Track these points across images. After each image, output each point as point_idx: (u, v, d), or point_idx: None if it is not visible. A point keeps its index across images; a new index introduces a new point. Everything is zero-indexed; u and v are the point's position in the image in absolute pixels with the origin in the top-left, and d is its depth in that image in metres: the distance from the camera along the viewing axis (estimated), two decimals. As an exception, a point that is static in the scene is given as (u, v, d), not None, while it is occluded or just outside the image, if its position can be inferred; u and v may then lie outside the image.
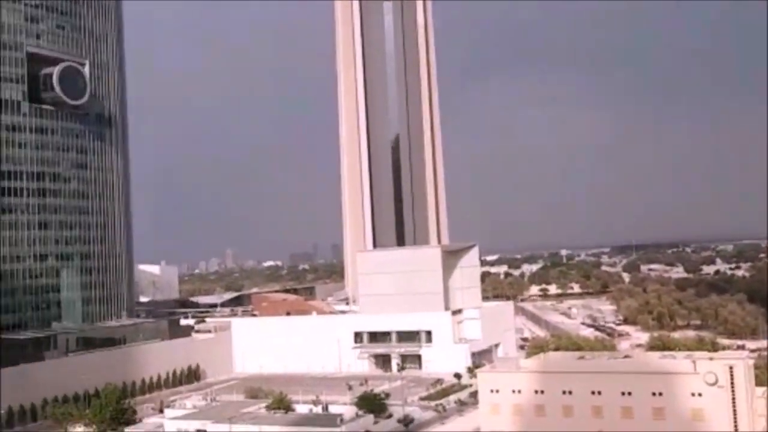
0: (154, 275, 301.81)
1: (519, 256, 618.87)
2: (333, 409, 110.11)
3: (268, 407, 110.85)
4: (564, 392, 73.18)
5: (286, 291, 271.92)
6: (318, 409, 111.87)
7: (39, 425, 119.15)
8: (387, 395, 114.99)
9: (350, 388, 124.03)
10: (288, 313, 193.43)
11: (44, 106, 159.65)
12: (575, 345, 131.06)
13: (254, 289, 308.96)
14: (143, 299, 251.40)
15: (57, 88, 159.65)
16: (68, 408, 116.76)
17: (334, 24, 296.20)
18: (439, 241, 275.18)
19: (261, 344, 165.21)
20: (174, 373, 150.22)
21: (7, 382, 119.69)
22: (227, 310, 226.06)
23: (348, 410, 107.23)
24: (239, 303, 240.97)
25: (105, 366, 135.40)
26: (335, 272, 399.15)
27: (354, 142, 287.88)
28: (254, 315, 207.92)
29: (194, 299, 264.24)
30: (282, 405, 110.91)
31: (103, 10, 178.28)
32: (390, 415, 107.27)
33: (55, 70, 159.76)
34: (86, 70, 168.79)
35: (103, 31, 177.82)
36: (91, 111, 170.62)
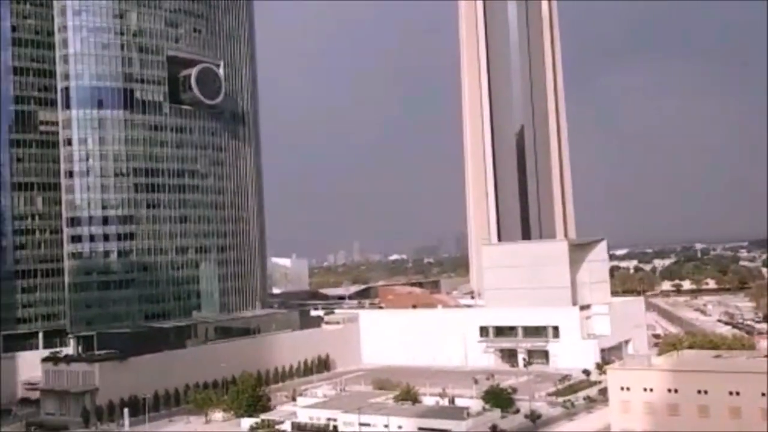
0: (286, 268, 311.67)
1: (650, 251, 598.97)
2: (459, 403, 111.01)
3: (395, 398, 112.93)
4: (699, 392, 71.25)
5: (412, 284, 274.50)
6: (444, 402, 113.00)
7: (181, 409, 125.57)
8: (514, 390, 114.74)
9: (476, 382, 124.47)
10: (414, 306, 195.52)
11: (183, 106, 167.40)
12: (711, 343, 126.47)
13: (380, 282, 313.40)
14: (276, 291, 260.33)
15: (195, 89, 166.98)
16: (208, 394, 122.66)
17: (458, 20, 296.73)
18: (566, 234, 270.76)
19: (388, 336, 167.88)
20: (305, 362, 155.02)
21: (153, 367, 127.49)
22: (354, 302, 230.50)
23: (474, 404, 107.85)
24: (366, 295, 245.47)
25: (241, 354, 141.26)
26: (460, 266, 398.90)
27: (478, 135, 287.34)
28: (380, 307, 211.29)
29: (323, 291, 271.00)
30: (409, 397, 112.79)
31: (235, 12, 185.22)
32: (517, 410, 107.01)
33: (193, 72, 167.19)
34: (221, 70, 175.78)
35: (236, 31, 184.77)
36: (226, 109, 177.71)
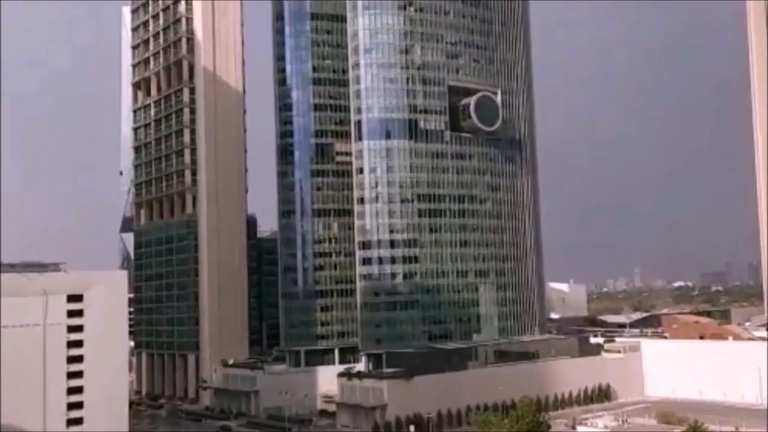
0: (564, 293, 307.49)
1: None
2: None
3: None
4: None
5: (698, 313, 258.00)
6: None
7: (462, 430, 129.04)
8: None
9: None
10: (701, 337, 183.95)
11: (463, 134, 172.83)
12: None
13: (664, 310, 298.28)
14: (553, 316, 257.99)
15: (473, 117, 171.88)
16: (488, 416, 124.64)
17: (746, 21, 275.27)
18: None
19: (673, 368, 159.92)
20: (584, 391, 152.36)
21: (436, 387, 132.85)
22: (636, 330, 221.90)
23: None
24: (648, 324, 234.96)
25: (519, 379, 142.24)
26: (752, 295, 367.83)
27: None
28: (664, 337, 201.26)
29: (602, 318, 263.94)
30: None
31: (512, 41, 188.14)
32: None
33: (472, 100, 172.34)
34: (498, 97, 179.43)
35: (513, 59, 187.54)
36: (503, 136, 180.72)
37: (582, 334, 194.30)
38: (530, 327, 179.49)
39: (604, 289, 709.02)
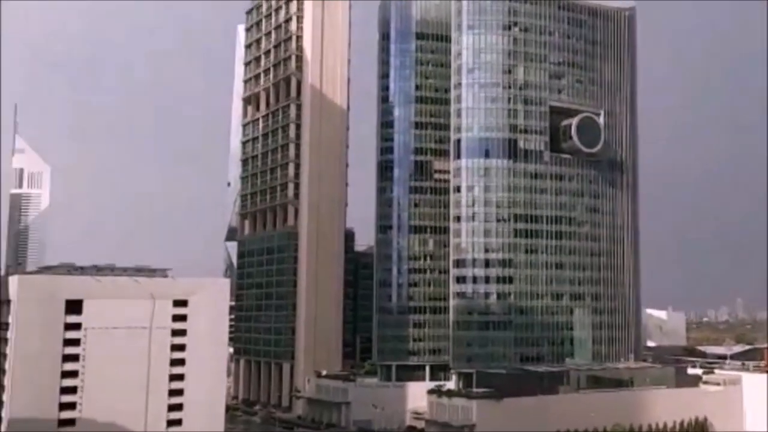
0: (661, 320, 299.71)
1: None
2: None
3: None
4: None
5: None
6: None
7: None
8: None
9: None
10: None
11: (563, 155, 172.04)
12: None
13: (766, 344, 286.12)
14: (650, 344, 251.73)
15: (575, 138, 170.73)
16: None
17: None
18: None
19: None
20: (680, 423, 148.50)
21: (526, 410, 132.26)
22: (737, 363, 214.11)
23: None
24: (750, 357, 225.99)
25: (612, 406, 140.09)
26: None
27: None
28: (767, 371, 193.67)
29: (701, 348, 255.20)
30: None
31: (618, 61, 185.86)
32: None
33: (573, 121, 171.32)
34: (601, 119, 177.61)
35: (617, 80, 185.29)
36: (604, 158, 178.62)
37: (680, 364, 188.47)
38: (625, 353, 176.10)
39: (705, 319, 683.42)
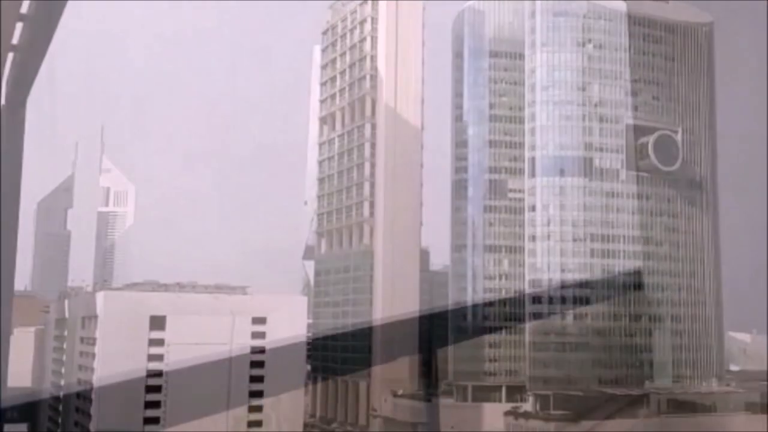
0: (745, 343, 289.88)
1: None
2: None
3: None
4: None
5: None
6: None
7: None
8: None
9: None
10: None
11: (639, 173, 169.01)
12: None
13: None
14: (733, 368, 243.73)
15: (651, 156, 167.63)
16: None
17: None
18: None
19: None
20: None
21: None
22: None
23: None
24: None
25: None
26: None
27: None
28: None
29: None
30: None
31: (696, 78, 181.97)
32: None
33: (651, 139, 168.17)
34: (679, 136, 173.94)
35: (696, 97, 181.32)
36: (683, 176, 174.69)
37: (765, 389, 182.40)
38: (707, 377, 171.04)
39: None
